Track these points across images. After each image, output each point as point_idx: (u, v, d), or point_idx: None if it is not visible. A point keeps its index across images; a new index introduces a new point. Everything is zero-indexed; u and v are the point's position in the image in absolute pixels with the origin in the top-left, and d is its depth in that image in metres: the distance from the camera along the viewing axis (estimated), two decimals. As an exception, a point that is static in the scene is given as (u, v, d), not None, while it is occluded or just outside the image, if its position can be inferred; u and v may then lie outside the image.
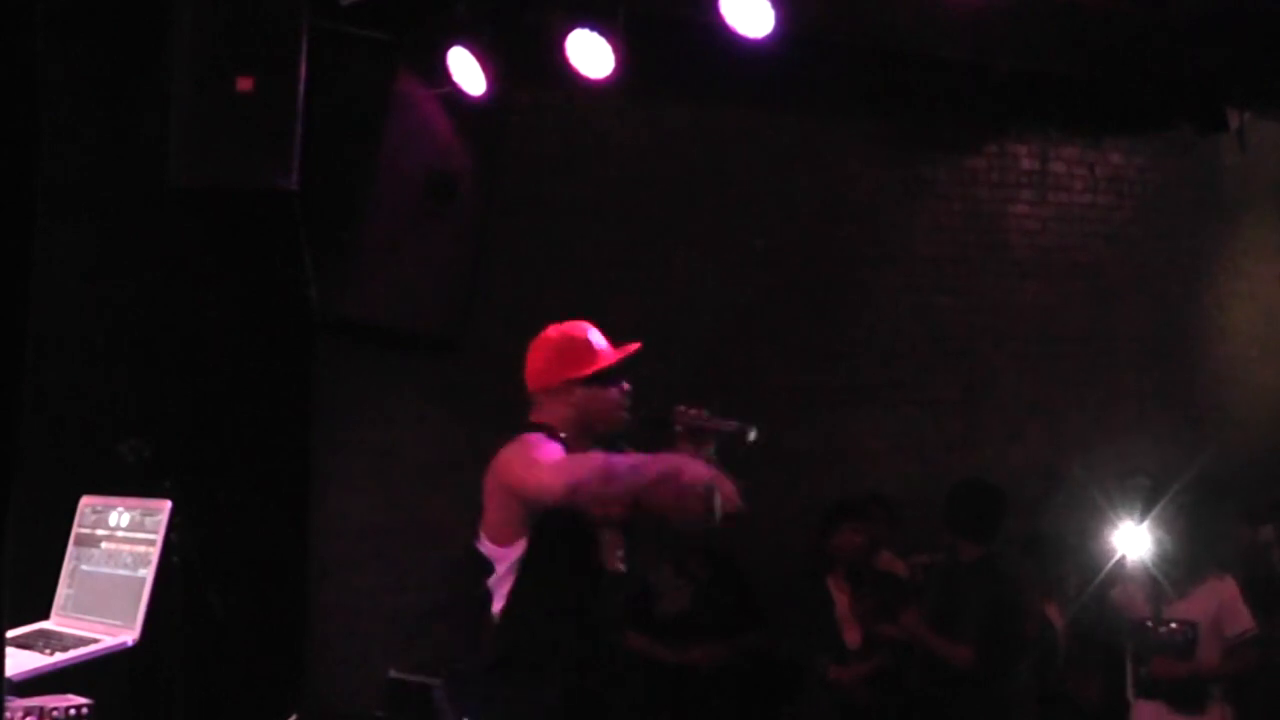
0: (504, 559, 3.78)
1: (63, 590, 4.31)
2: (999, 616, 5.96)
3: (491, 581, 3.81)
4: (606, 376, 3.91)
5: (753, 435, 3.86)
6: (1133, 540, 5.69)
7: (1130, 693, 5.54)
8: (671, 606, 6.43)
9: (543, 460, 3.69)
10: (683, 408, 3.94)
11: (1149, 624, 5.47)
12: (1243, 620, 5.44)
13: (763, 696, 6.45)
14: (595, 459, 3.78)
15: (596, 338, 3.96)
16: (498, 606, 3.79)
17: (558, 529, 3.75)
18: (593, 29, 5.49)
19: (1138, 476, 6.86)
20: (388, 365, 6.41)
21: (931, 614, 6.08)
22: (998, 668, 5.93)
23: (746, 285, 7.31)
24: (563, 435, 3.84)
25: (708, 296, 7.26)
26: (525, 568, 3.76)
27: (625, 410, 3.94)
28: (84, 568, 4.28)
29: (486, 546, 3.80)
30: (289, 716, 4.89)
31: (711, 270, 7.21)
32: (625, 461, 3.76)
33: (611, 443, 3.93)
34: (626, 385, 3.95)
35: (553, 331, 3.99)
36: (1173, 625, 5.42)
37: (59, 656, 3.87)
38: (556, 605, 3.79)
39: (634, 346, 3.95)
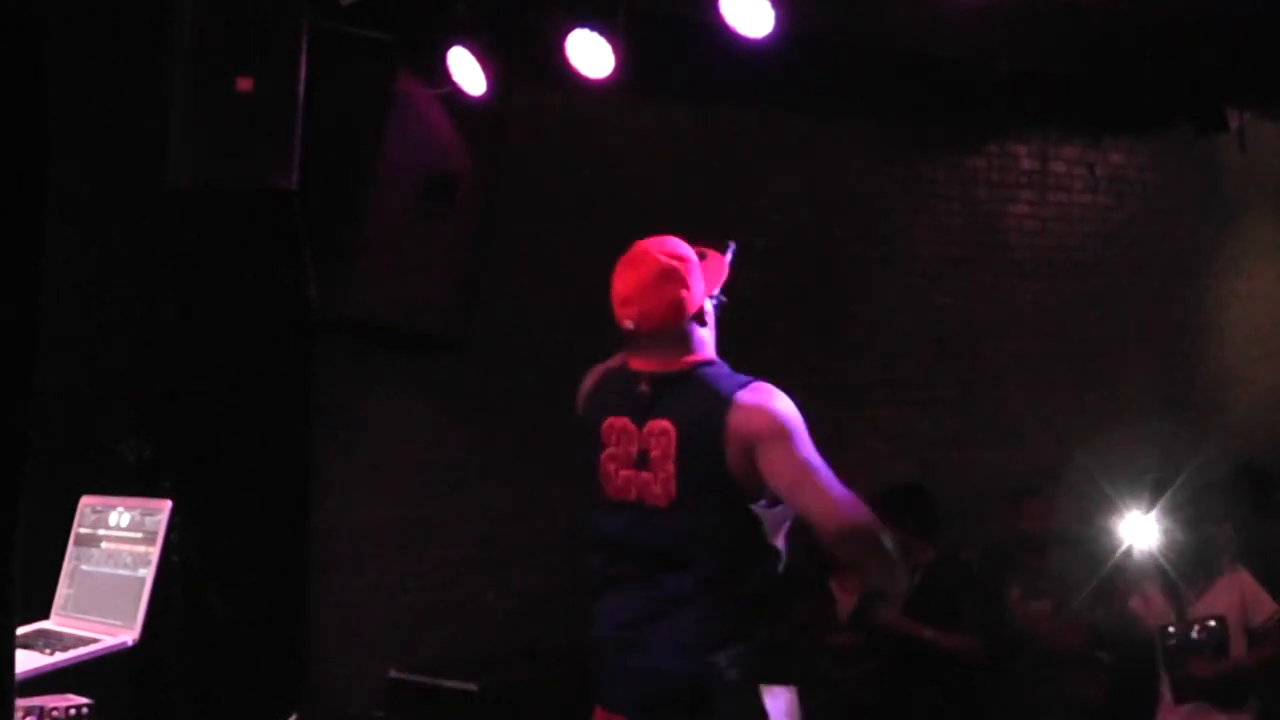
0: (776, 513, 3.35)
1: (63, 590, 4.31)
2: (985, 606, 5.98)
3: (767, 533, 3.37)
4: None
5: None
6: (1139, 535, 5.68)
7: (1167, 698, 5.51)
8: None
9: (828, 481, 3.30)
10: None
11: (1177, 627, 5.45)
12: (1266, 606, 5.46)
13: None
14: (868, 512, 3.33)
15: None
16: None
17: None
18: (593, 29, 5.48)
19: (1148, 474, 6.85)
20: (388, 365, 6.40)
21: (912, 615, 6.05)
22: (1002, 654, 5.93)
23: (746, 285, 7.28)
24: None
25: (707, 296, 7.24)
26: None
27: None
28: (84, 568, 4.28)
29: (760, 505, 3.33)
30: (289, 716, 4.89)
31: (711, 270, 7.18)
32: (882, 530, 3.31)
33: None
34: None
35: (675, 248, 3.61)
36: (1204, 624, 5.41)
37: (59, 656, 3.88)
38: None
39: (728, 253, 3.68)
